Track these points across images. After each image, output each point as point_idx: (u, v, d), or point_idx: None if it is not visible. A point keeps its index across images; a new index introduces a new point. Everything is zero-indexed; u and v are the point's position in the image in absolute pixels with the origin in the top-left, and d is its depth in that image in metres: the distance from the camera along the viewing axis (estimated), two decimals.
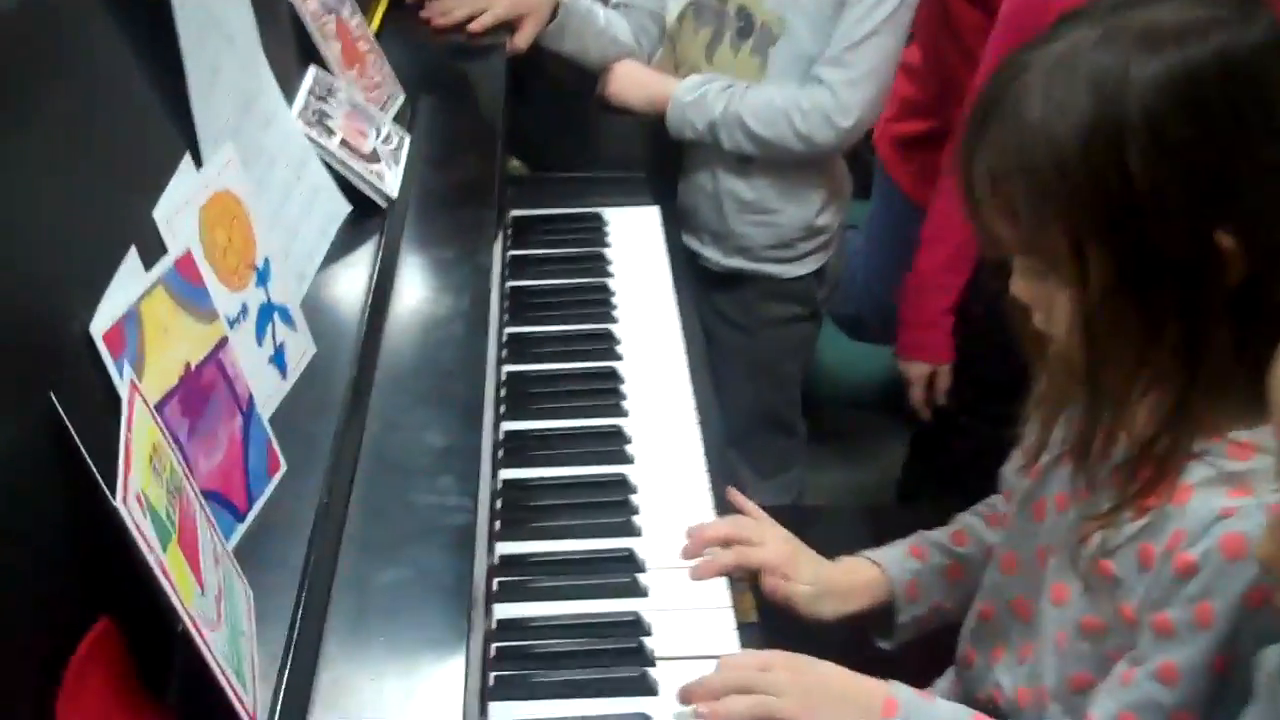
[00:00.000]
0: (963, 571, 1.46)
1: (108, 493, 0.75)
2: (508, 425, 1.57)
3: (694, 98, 2.09)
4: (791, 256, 2.21)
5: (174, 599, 0.76)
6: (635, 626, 1.32)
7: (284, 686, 0.90)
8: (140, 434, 0.80)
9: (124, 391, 0.82)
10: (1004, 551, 1.35)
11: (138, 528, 0.73)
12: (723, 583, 1.39)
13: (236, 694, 0.81)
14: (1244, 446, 1.13)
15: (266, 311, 1.12)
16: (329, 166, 1.44)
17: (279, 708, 0.89)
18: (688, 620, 1.34)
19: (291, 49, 1.53)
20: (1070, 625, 1.23)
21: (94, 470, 0.77)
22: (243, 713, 0.82)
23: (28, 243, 0.87)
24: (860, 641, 1.47)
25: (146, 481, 0.78)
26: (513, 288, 1.84)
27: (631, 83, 2.17)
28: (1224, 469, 1.13)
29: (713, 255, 2.23)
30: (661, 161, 2.20)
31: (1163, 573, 1.13)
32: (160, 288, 0.94)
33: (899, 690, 1.25)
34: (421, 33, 2.01)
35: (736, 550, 1.42)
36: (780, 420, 2.35)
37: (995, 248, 1.18)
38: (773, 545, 1.44)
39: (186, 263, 0.98)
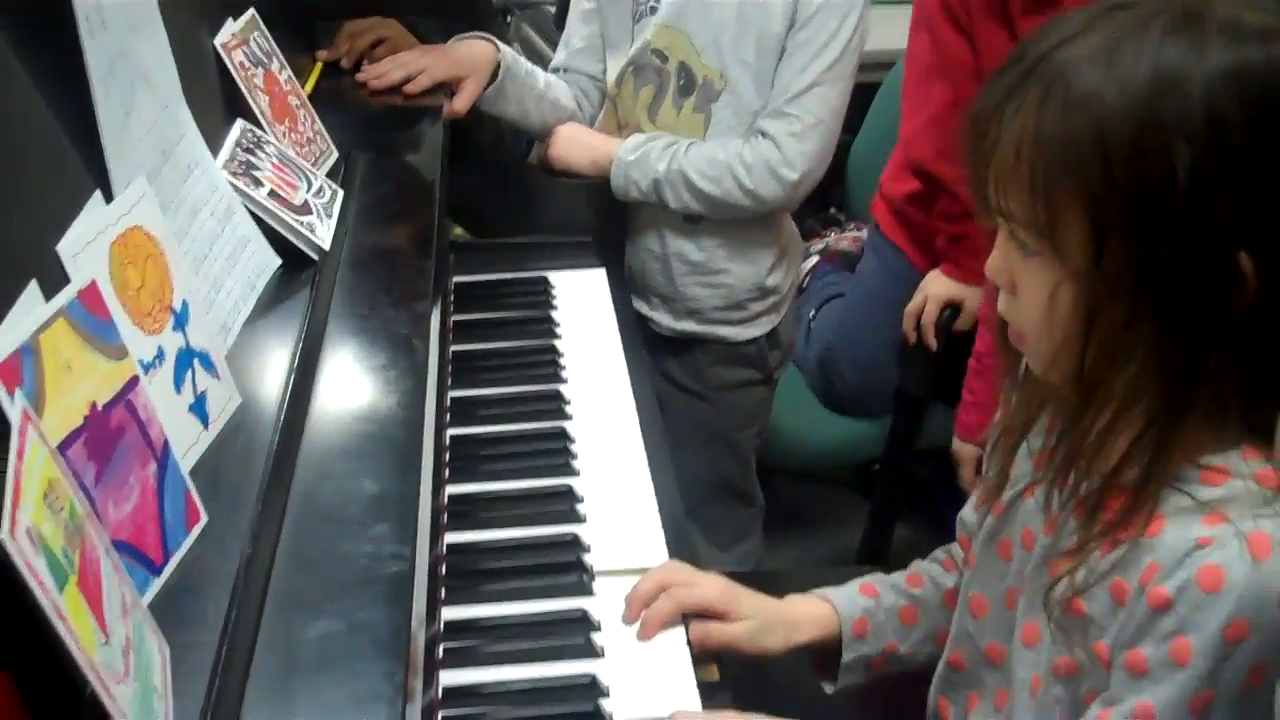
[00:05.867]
0: (916, 615, 1.39)
1: None
2: (453, 489, 1.50)
3: (637, 156, 2.05)
4: (743, 318, 2.16)
5: (71, 645, 0.68)
6: (592, 688, 1.25)
7: None
8: (33, 466, 0.73)
9: (15, 419, 0.75)
10: (970, 593, 1.28)
11: (27, 563, 0.66)
12: (681, 640, 1.32)
13: None
14: (1217, 471, 1.07)
15: (185, 357, 1.06)
16: (259, 220, 1.38)
17: None
18: (647, 679, 1.27)
19: (218, 100, 1.47)
20: (1043, 667, 1.17)
21: None
22: None
23: None
24: (822, 702, 1.40)
25: (39, 517, 0.71)
26: (457, 352, 1.77)
27: (574, 145, 2.13)
28: (1197, 496, 1.07)
29: (663, 318, 2.18)
30: (607, 224, 2.15)
31: (1136, 609, 1.07)
32: (62, 319, 0.87)
33: None
34: (357, 95, 1.97)
35: (672, 595, 1.34)
36: (735, 489, 2.29)
37: (988, 217, 1.10)
38: (707, 583, 1.37)
39: (91, 294, 0.91)
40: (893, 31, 2.51)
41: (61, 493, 0.76)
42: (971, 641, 1.28)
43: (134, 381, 0.93)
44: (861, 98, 2.38)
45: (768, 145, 1.99)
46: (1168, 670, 1.05)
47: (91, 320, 0.90)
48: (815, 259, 2.73)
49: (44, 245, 0.94)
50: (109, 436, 0.88)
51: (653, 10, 2.06)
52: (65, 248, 0.95)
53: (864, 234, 2.71)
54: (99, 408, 0.88)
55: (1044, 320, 1.08)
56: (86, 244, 0.97)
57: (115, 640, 0.75)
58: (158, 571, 0.92)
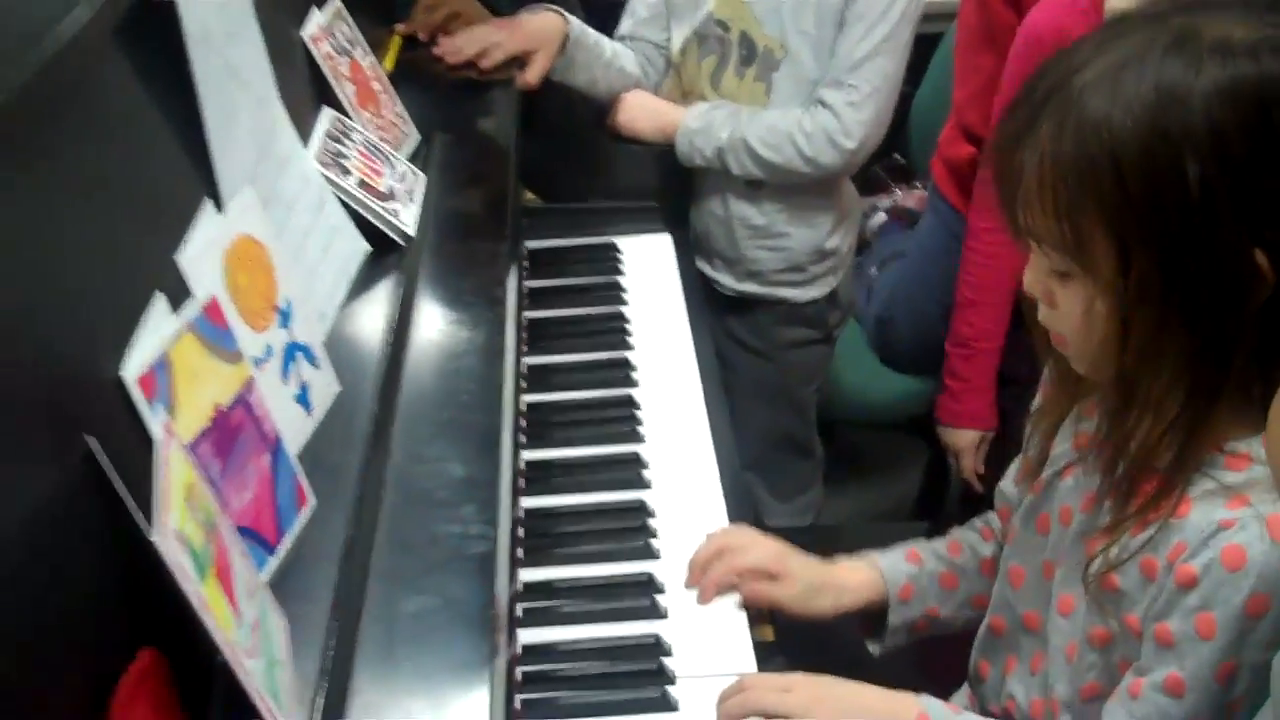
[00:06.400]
0: (956, 581, 1.48)
1: (146, 529, 0.78)
2: (528, 454, 1.61)
3: (701, 125, 2.13)
4: (802, 280, 2.25)
5: (213, 629, 0.79)
6: (656, 648, 1.35)
7: (319, 712, 0.94)
8: (175, 473, 0.84)
9: (158, 433, 0.86)
10: (1010, 564, 1.37)
11: (177, 562, 0.77)
12: (738, 603, 1.42)
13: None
14: (1240, 458, 1.15)
15: (290, 351, 1.16)
16: (347, 206, 1.48)
17: None
18: (706, 640, 1.38)
19: (306, 91, 1.57)
20: (1079, 636, 1.25)
21: (134, 508, 0.81)
22: None
23: (59, 292, 0.91)
24: (873, 663, 1.49)
25: (183, 519, 0.82)
26: (530, 319, 1.87)
27: (640, 112, 2.22)
28: (1222, 481, 1.15)
29: (725, 280, 2.27)
30: (673, 188, 2.24)
31: (1165, 584, 1.16)
32: (189, 332, 0.98)
33: (929, 704, 1.27)
34: (434, 70, 2.06)
35: (727, 560, 1.44)
36: (796, 443, 2.39)
37: (1020, 237, 1.18)
38: (759, 548, 1.46)
39: (213, 308, 1.01)
40: None
41: (199, 493, 0.86)
42: (1011, 609, 1.37)
43: (250, 382, 1.04)
44: (924, 49, 2.43)
45: (827, 114, 2.07)
46: (1194, 643, 1.14)
47: (213, 330, 1.00)
48: (884, 217, 2.79)
49: (164, 256, 1.05)
50: (230, 434, 0.99)
51: None
52: (184, 258, 1.06)
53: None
54: (221, 409, 0.99)
55: (1083, 330, 1.16)
56: (202, 254, 1.07)
57: (246, 620, 0.87)
58: (273, 551, 1.03)
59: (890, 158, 3.06)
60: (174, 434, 0.86)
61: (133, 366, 0.91)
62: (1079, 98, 1.09)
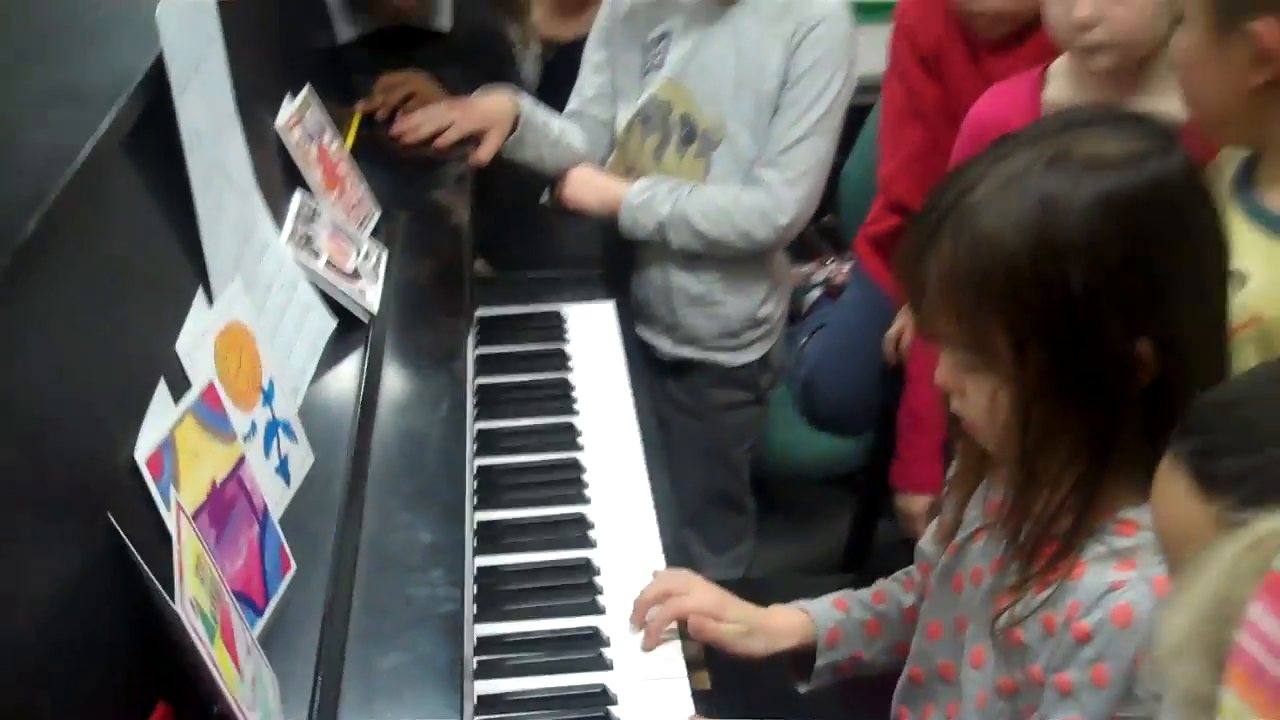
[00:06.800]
0: (879, 628, 1.61)
1: (166, 598, 0.89)
2: (479, 515, 1.72)
3: (643, 199, 2.26)
4: (737, 345, 2.38)
5: (222, 686, 0.90)
6: (602, 696, 1.47)
7: None
8: (187, 547, 0.95)
9: (171, 512, 0.97)
10: (928, 620, 1.50)
11: (194, 627, 0.88)
12: (679, 653, 1.54)
13: None
14: (1129, 524, 1.29)
15: (272, 427, 1.27)
16: (315, 285, 1.59)
17: None
18: (649, 688, 1.49)
19: (279, 176, 1.68)
20: (989, 686, 1.38)
21: (150, 577, 0.92)
22: None
23: (76, 384, 1.01)
24: (801, 701, 1.61)
25: (195, 588, 0.93)
26: (480, 385, 1.99)
27: (586, 186, 2.35)
28: (1112, 546, 1.29)
29: (664, 345, 2.39)
30: (615, 259, 2.37)
31: (1063, 639, 1.29)
32: (190, 416, 1.09)
33: None
34: (392, 147, 2.18)
35: (669, 604, 1.55)
36: (730, 498, 2.51)
37: (933, 340, 1.33)
38: (701, 592, 1.58)
39: (211, 393, 1.13)
40: (885, 55, 2.69)
41: (205, 563, 0.97)
42: (928, 660, 1.50)
43: (242, 460, 1.15)
44: (854, 120, 2.57)
45: (762, 192, 2.21)
46: (1090, 691, 1.27)
47: (211, 414, 1.11)
48: (818, 293, 2.94)
49: (165, 343, 1.16)
50: (225, 506, 1.10)
51: (659, 66, 2.28)
52: (181, 347, 1.17)
53: None
54: (217, 484, 1.10)
55: (989, 417, 1.30)
56: (196, 342, 1.18)
57: (246, 676, 0.97)
58: (261, 613, 1.14)
59: (822, 219, 3.22)
60: (184, 511, 0.98)
61: (142, 449, 1.02)
62: (972, 215, 1.24)
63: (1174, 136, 1.29)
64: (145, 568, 0.92)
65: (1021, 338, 1.24)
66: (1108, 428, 1.26)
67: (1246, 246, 1.50)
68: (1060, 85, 2.00)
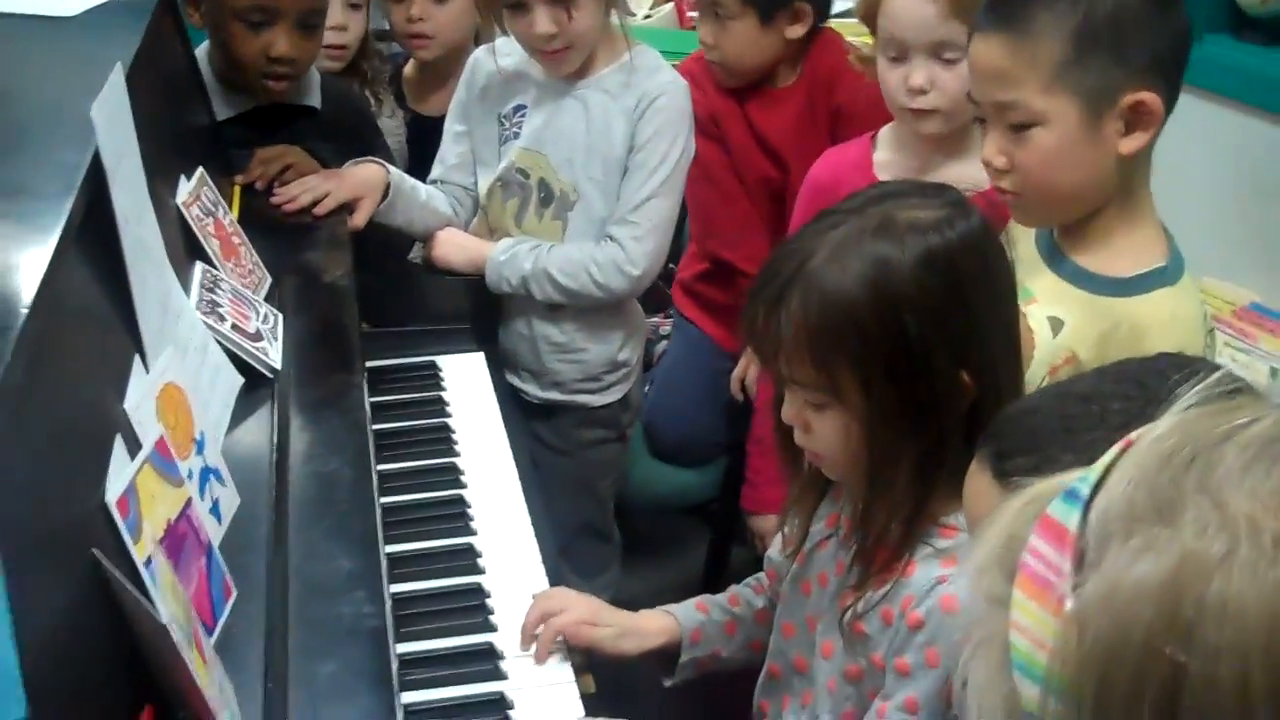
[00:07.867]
0: (736, 628, 1.81)
1: (156, 616, 1.06)
2: (389, 549, 1.89)
3: (507, 257, 2.45)
4: (598, 388, 2.58)
5: (202, 685, 1.07)
6: (500, 703, 1.65)
7: None
8: (162, 575, 1.12)
9: (140, 546, 1.14)
10: (783, 620, 1.71)
11: (180, 640, 1.05)
12: (566, 662, 1.73)
13: None
14: (950, 528, 1.52)
15: (205, 474, 1.44)
16: (224, 347, 1.75)
17: None
18: (541, 693, 1.68)
19: (183, 249, 1.84)
20: (837, 673, 1.60)
21: (139, 597, 1.08)
22: None
23: (63, 445, 1.17)
24: (666, 693, 1.81)
25: (174, 606, 1.10)
26: (375, 430, 2.16)
27: (453, 247, 2.54)
28: (937, 546, 1.51)
29: (532, 389, 2.58)
30: (483, 312, 2.55)
31: (899, 628, 1.50)
32: (148, 465, 1.25)
33: None
34: (274, 216, 2.34)
35: (550, 623, 1.73)
36: (597, 529, 2.70)
37: (781, 383, 1.53)
38: (577, 605, 1.77)
39: (161, 444, 1.29)
40: None
41: (176, 589, 1.14)
42: (784, 656, 1.71)
43: (189, 501, 1.32)
44: None
45: (615, 247, 2.42)
46: (924, 671, 1.49)
47: (163, 463, 1.28)
48: (665, 345, 3.17)
49: (115, 404, 1.32)
50: (178, 541, 1.27)
51: (516, 136, 2.49)
52: (129, 407, 1.33)
53: None
54: (171, 522, 1.27)
55: (837, 446, 1.52)
56: (139, 403, 1.34)
57: (215, 681, 1.14)
58: (211, 633, 1.30)
59: (668, 268, 3.46)
60: (158, 544, 1.15)
61: (111, 494, 1.18)
62: (818, 278, 1.45)
63: (968, 202, 1.53)
64: (133, 590, 1.09)
65: (867, 376, 1.45)
66: (938, 444, 1.48)
67: (1061, 296, 1.73)
68: (888, 149, 2.26)
